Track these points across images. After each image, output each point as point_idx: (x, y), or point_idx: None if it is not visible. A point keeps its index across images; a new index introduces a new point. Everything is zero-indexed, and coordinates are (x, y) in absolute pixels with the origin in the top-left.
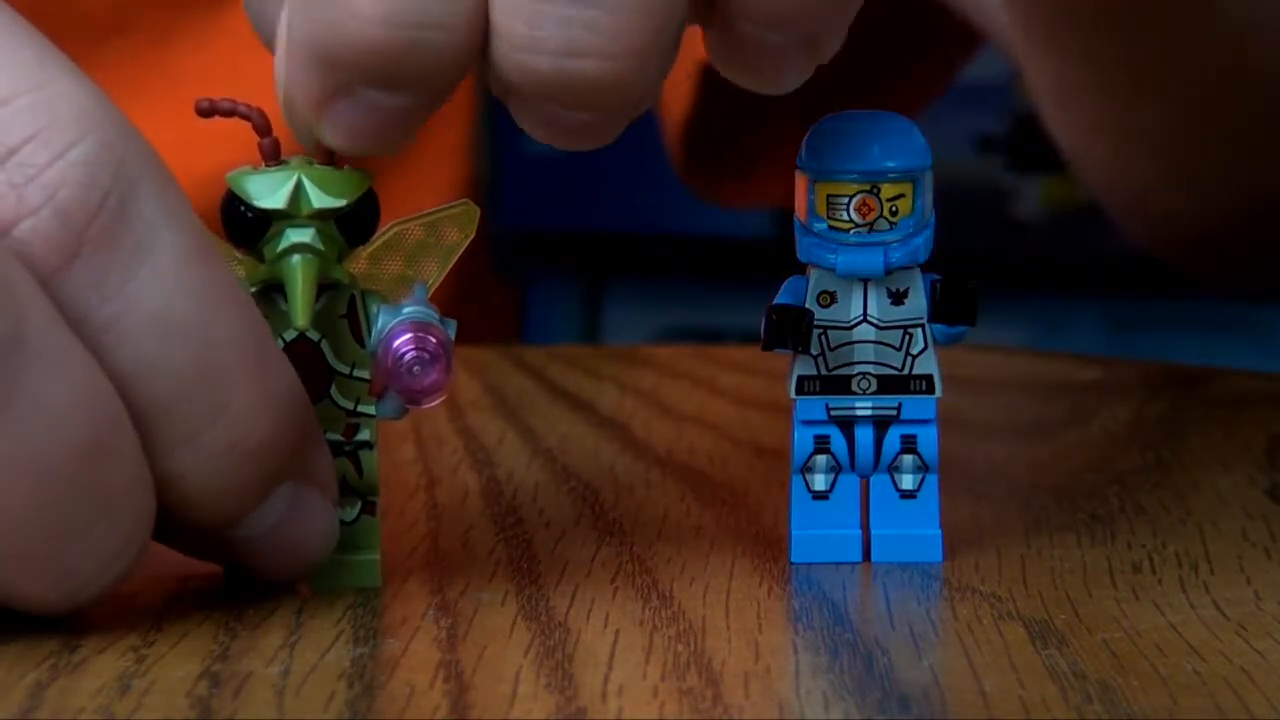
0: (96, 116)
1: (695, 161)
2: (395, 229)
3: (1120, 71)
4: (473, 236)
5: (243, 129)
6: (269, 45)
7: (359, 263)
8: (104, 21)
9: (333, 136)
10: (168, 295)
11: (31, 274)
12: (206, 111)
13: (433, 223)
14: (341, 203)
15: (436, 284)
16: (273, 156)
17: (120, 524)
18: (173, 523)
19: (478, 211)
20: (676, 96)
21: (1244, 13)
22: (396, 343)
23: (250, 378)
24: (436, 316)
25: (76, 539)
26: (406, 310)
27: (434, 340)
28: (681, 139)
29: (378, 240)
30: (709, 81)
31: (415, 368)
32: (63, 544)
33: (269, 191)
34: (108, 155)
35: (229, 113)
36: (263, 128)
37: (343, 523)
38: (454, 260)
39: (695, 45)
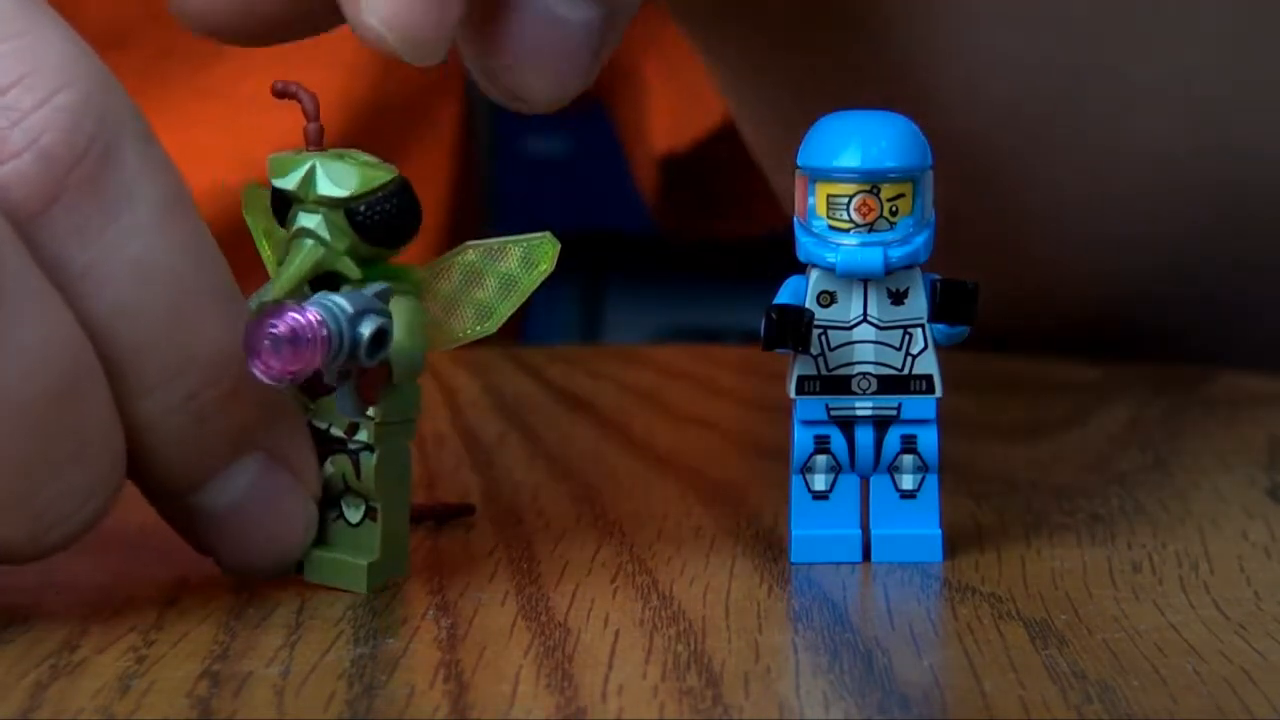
0: (82, 65)
1: (675, 228)
2: (464, 246)
3: None
4: (548, 270)
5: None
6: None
7: (426, 273)
8: (103, 36)
9: (498, 59)
10: (147, 242)
11: (9, 217)
12: (280, 93)
13: (495, 247)
14: (344, 193)
15: (504, 312)
16: (314, 142)
17: (91, 465)
18: (140, 484)
19: (556, 246)
20: (644, 179)
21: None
22: (262, 320)
23: (220, 330)
24: (342, 311)
25: (46, 479)
26: (318, 296)
27: (285, 326)
28: (658, 212)
29: (444, 256)
30: (669, 170)
31: (265, 343)
32: (32, 484)
33: (286, 173)
34: (93, 103)
35: (292, 95)
36: (311, 112)
37: (349, 524)
38: (521, 291)
39: (650, 142)
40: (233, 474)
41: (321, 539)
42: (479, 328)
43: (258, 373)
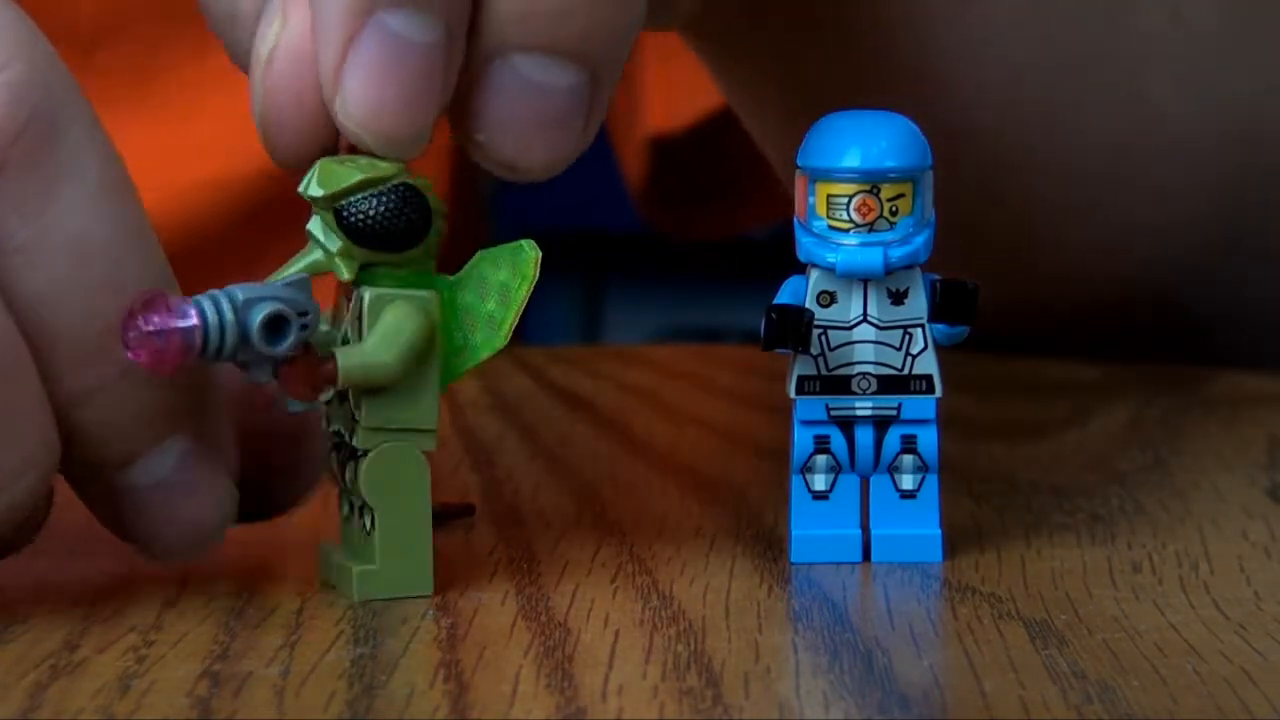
0: (26, 42)
1: (659, 217)
2: (478, 256)
3: None
4: (530, 279)
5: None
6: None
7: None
8: (94, 30)
9: (351, 99)
10: (86, 220)
11: None
12: None
13: (494, 256)
14: (320, 192)
15: (510, 321)
16: (347, 148)
17: (19, 443)
18: (67, 462)
19: (535, 254)
20: (632, 163)
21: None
22: (132, 311)
23: None
24: (230, 299)
25: None
26: (231, 289)
27: (145, 318)
28: (642, 199)
29: (465, 267)
30: (659, 153)
31: (131, 334)
32: None
33: (304, 176)
34: (36, 79)
35: None
36: None
37: (364, 531)
38: (514, 300)
39: (642, 121)
40: (159, 453)
41: (345, 543)
42: (494, 341)
43: (138, 363)
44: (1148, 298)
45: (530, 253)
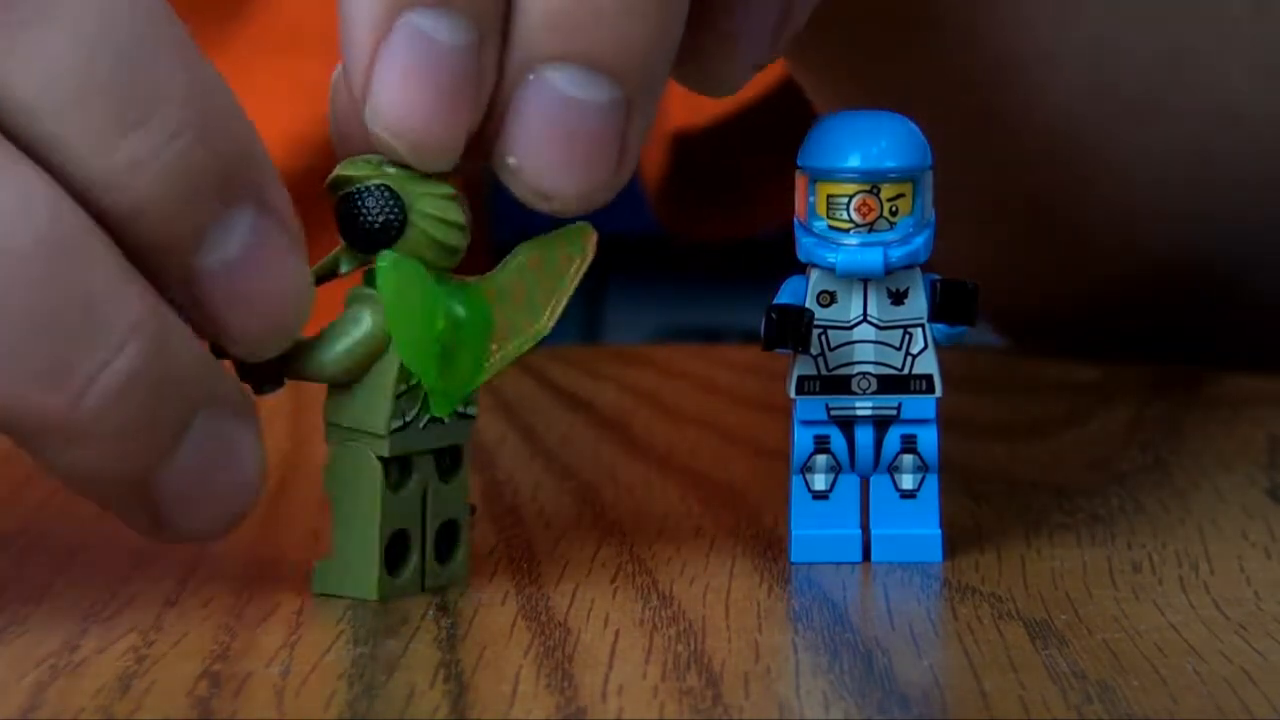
0: None
1: (675, 216)
2: (515, 250)
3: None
4: (588, 257)
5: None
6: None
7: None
8: None
9: (381, 103)
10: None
11: None
12: None
13: (545, 242)
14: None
15: (558, 307)
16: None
17: (107, 318)
18: (139, 258)
19: (591, 233)
20: (650, 159)
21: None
22: None
23: (188, 68)
24: None
25: (60, 337)
26: None
27: None
28: (659, 197)
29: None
30: (680, 148)
31: None
32: (46, 343)
33: None
34: None
35: None
36: None
37: None
38: (570, 282)
39: (664, 116)
40: (229, 225)
41: None
42: (536, 327)
43: None
44: (1214, 287)
45: (587, 230)
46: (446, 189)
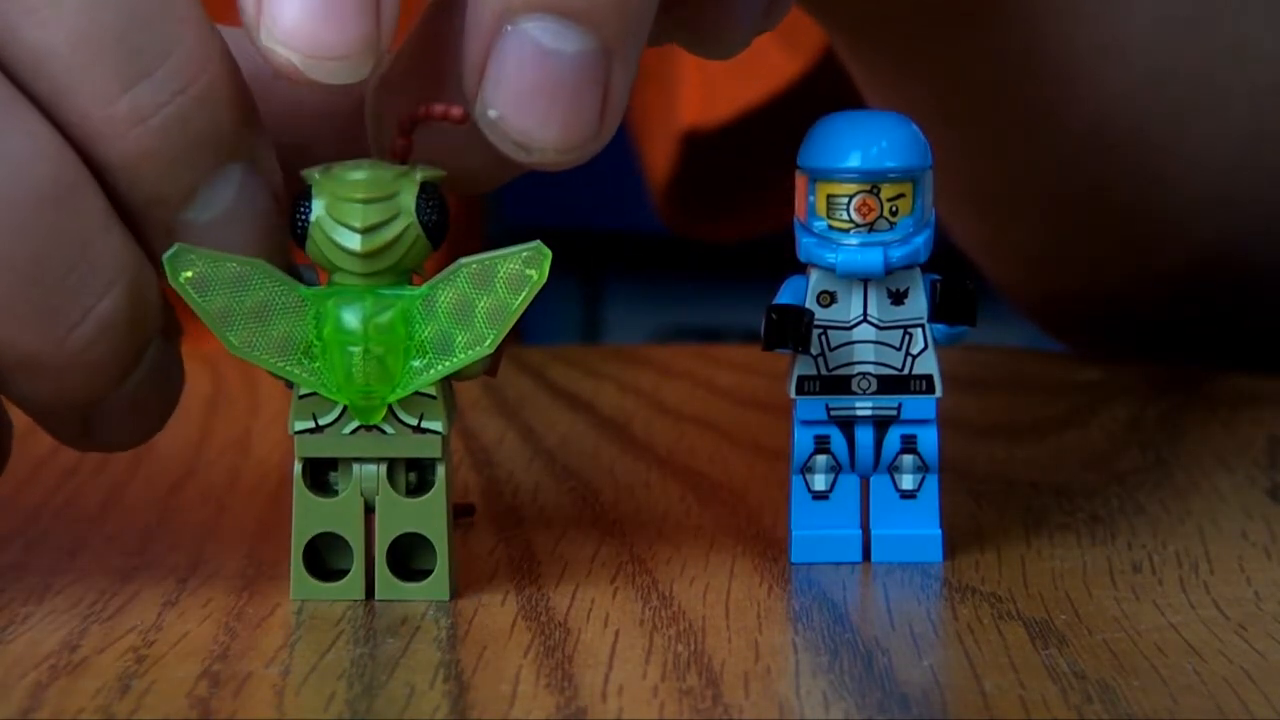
0: None
1: (681, 216)
2: (459, 262)
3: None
4: (542, 279)
5: None
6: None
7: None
8: None
9: (496, 107)
10: None
11: None
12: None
13: (493, 260)
14: None
15: (504, 328)
16: (396, 156)
17: (95, 260)
18: (128, 207)
19: (547, 255)
20: (660, 159)
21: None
22: None
23: (193, 27)
24: None
25: (52, 279)
26: None
27: None
28: (666, 197)
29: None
30: (692, 147)
31: None
32: (38, 285)
33: None
34: None
35: (422, 119)
36: (404, 128)
37: None
38: (521, 304)
39: (677, 114)
40: (220, 182)
41: None
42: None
43: None
44: (1255, 277)
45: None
46: (363, 193)
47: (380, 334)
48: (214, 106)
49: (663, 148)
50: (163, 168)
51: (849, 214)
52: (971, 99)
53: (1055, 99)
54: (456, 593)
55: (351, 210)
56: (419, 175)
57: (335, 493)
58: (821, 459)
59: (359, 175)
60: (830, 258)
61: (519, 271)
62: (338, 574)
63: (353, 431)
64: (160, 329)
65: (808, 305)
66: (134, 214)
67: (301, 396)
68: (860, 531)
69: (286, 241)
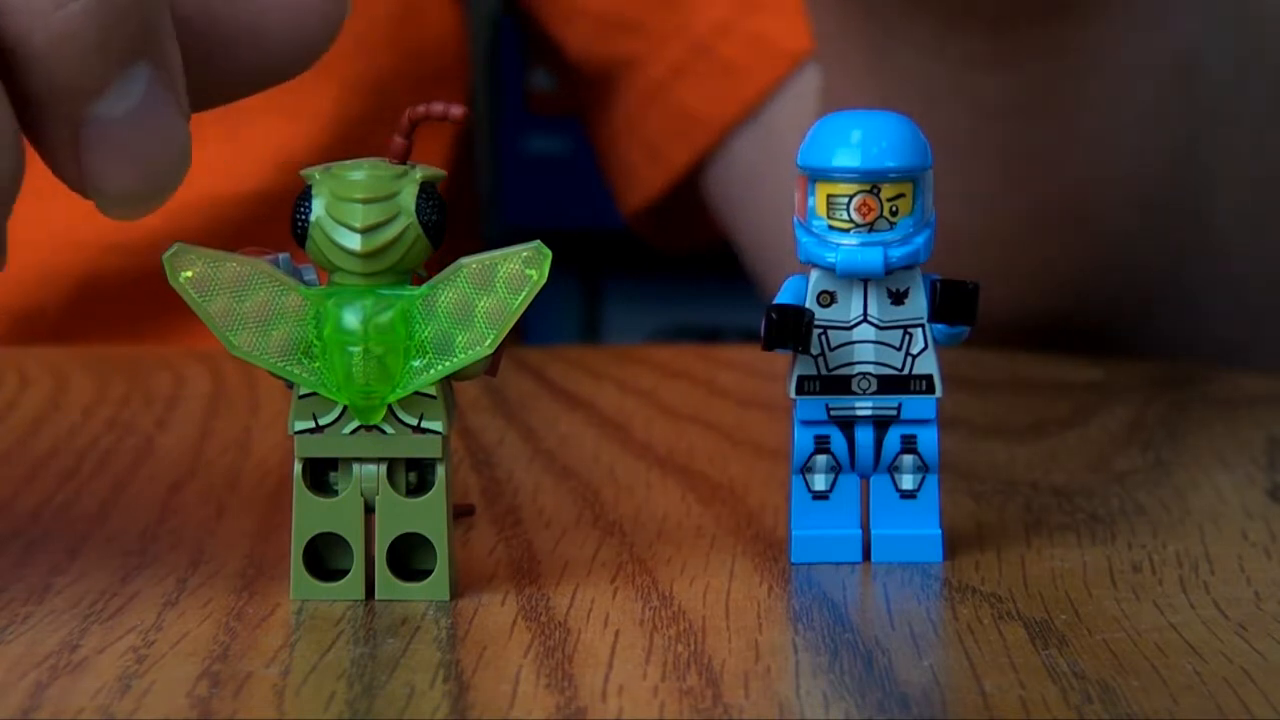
0: None
1: (654, 236)
2: (459, 262)
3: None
4: (542, 280)
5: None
6: None
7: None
8: None
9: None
10: None
11: None
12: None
13: (493, 260)
14: None
15: (504, 328)
16: (396, 157)
17: None
18: (32, 103)
19: (547, 254)
20: (636, 186)
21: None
22: None
23: None
24: None
25: None
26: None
27: None
28: (635, 223)
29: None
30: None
31: None
32: None
33: None
34: None
35: (423, 117)
36: (404, 129)
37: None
38: (521, 304)
39: (663, 154)
40: (130, 80)
41: None
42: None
43: None
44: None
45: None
46: (362, 192)
47: (380, 334)
48: (121, 6)
49: (637, 173)
50: (81, 53)
51: (849, 214)
52: (997, 118)
53: (1076, 122)
54: (456, 593)
55: (351, 210)
56: (419, 175)
57: (335, 493)
58: (821, 459)
59: (359, 175)
60: (830, 258)
61: (519, 271)
62: (338, 574)
63: (353, 431)
64: (151, 53)
65: (808, 305)
66: (46, 106)
67: (301, 396)
68: (860, 531)
69: (188, 149)
